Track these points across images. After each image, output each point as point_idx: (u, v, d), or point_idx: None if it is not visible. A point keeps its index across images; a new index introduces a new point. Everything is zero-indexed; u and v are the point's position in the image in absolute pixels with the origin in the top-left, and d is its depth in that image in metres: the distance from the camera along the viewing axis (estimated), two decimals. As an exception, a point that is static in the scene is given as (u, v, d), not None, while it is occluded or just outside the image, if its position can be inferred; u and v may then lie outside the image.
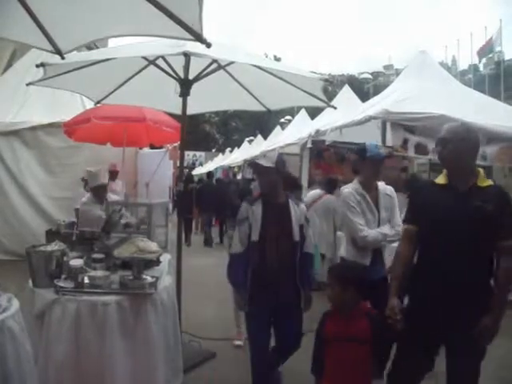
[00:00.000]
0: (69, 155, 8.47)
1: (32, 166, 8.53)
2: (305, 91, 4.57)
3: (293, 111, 20.29)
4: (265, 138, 22.00)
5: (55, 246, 3.41)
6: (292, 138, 10.55)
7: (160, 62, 4.43)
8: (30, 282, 3.37)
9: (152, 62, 4.37)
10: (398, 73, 39.80)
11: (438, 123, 6.41)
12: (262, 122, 35.79)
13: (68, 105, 8.24)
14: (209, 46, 2.55)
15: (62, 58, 2.95)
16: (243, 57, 3.94)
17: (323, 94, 4.37)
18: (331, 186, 7.77)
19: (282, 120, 19.79)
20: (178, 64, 4.45)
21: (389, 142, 6.36)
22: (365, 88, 23.08)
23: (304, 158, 9.23)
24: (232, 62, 4.38)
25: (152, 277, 3.55)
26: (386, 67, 56.64)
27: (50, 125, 7.89)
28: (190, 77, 4.34)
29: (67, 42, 2.90)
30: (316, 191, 7.80)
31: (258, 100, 5.17)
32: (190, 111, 5.01)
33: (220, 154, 28.89)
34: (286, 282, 3.50)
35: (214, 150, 37.84)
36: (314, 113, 13.54)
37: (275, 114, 31.67)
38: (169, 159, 8.93)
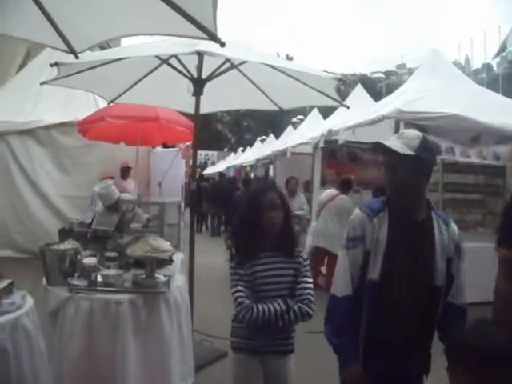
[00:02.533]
0: (82, 154, 8.53)
1: (46, 165, 8.60)
2: (318, 90, 4.54)
3: (305, 111, 20.20)
4: (277, 137, 22.00)
5: (69, 245, 3.42)
6: (304, 138, 10.50)
7: (173, 61, 4.44)
8: (44, 280, 3.39)
9: (165, 61, 4.38)
10: (410, 72, 39.52)
11: (451, 123, 6.38)
12: (275, 122, 35.69)
13: (81, 104, 8.28)
14: (223, 45, 2.54)
15: (76, 58, 2.96)
16: (256, 56, 3.93)
17: (336, 93, 4.34)
18: (346, 187, 7.73)
19: (294, 119, 19.76)
20: (191, 63, 4.45)
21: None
22: (377, 87, 22.89)
23: (316, 157, 9.19)
24: (245, 62, 4.38)
25: (165, 276, 3.56)
26: (399, 66, 56.31)
27: (64, 124, 7.96)
28: (203, 76, 4.33)
29: (81, 42, 2.91)
30: (331, 191, 7.77)
31: (270, 99, 5.16)
32: (202, 110, 5.01)
33: (232, 154, 28.90)
34: (417, 347, 2.21)
35: (226, 150, 37.88)
36: (326, 112, 13.46)
37: (287, 114, 31.57)
38: (181, 158, 8.94)
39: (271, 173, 12.07)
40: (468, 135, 6.62)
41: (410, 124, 6.24)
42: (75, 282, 3.26)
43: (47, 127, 7.98)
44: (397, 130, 6.31)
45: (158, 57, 4.32)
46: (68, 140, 8.05)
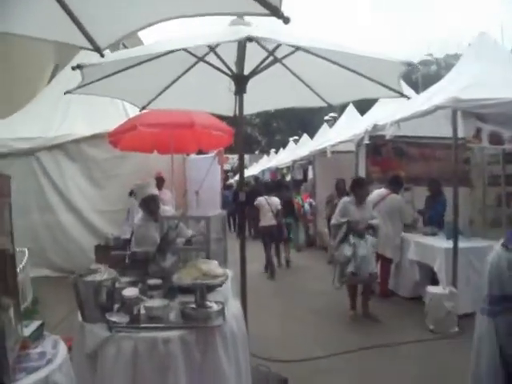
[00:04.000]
0: (114, 166, 8.18)
1: (77, 180, 8.31)
2: (375, 81, 3.99)
3: (336, 108, 19.54)
4: (310, 137, 21.35)
5: (105, 274, 2.95)
6: (343, 135, 9.89)
7: (210, 58, 3.97)
8: (79, 315, 2.95)
9: (201, 58, 3.90)
10: (437, 62, 38.16)
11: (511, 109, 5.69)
12: (305, 121, 35.09)
13: (110, 114, 7.98)
14: (287, 21, 2.03)
15: (102, 56, 2.51)
16: (309, 42, 3.38)
17: (398, 82, 3.78)
18: (396, 184, 7.09)
19: (327, 117, 19.09)
20: (229, 59, 3.98)
21: (460, 133, 5.66)
22: (413, 78, 21.98)
23: (360, 155, 8.60)
24: (291, 53, 3.87)
25: (217, 303, 3.07)
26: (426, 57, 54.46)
27: (93, 136, 7.61)
28: (245, 71, 3.84)
29: (105, 36, 2.47)
30: (381, 190, 7.15)
31: (317, 94, 4.63)
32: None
33: (265, 156, 28.37)
34: None
35: (257, 152, 37.44)
36: (362, 107, 12.83)
37: (319, 112, 31.15)
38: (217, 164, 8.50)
39: (310, 174, 11.46)
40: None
41: (467, 113, 5.63)
42: (114, 317, 2.79)
43: (77, 141, 7.65)
44: (455, 121, 5.68)
45: (193, 54, 3.84)
46: (98, 152, 7.68)
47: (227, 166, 19.40)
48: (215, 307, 3.02)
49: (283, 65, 4.21)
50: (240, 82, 3.79)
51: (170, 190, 7.61)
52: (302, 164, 13.95)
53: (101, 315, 2.86)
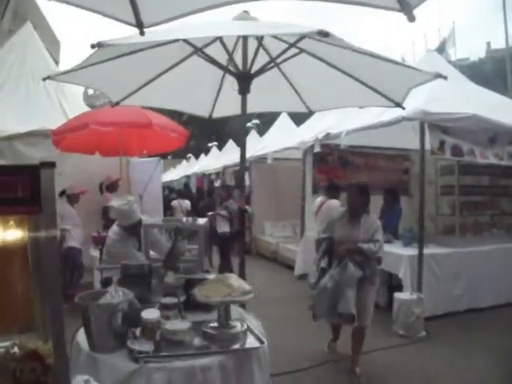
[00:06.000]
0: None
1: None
2: (375, 90, 3.95)
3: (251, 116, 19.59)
4: (221, 144, 21.15)
5: (120, 295, 2.51)
6: (285, 142, 9.85)
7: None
8: (87, 345, 2.47)
9: (200, 49, 3.55)
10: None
11: (471, 123, 6.00)
12: (218, 128, 35.16)
13: (46, 112, 7.18)
14: (412, 19, 1.81)
15: (142, 34, 2.14)
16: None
17: (407, 92, 3.77)
18: (333, 190, 7.09)
19: (249, 124, 19.02)
20: (222, 57, 3.69)
21: (427, 145, 5.84)
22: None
23: (307, 163, 8.58)
24: (295, 55, 3.68)
25: (238, 321, 2.77)
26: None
27: (29, 133, 6.75)
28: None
29: (153, 15, 2.09)
30: (319, 198, 7.26)
31: (302, 100, 4.51)
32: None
33: (184, 161, 27.72)
34: None
35: (169, 157, 36.46)
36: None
37: (230, 120, 31.27)
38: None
39: (247, 181, 11.26)
40: (485, 136, 6.27)
41: (434, 125, 5.82)
42: (135, 346, 2.39)
43: (9, 137, 6.74)
44: (422, 132, 5.84)
45: (192, 45, 3.48)
46: (35, 152, 6.83)
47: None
48: (239, 326, 2.72)
49: (279, 69, 4.04)
50: (244, 80, 3.51)
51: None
52: (236, 170, 13.70)
53: (117, 344, 2.44)
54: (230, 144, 17.87)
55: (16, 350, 1.54)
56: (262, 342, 2.58)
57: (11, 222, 1.51)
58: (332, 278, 4.21)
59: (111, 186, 7.15)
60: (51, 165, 1.32)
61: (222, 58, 3.70)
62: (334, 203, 6.80)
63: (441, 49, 29.22)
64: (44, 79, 3.42)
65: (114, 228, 4.03)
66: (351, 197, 4.45)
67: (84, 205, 6.89)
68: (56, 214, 1.36)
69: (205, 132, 38.69)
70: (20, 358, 1.50)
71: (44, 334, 1.72)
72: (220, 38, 3.43)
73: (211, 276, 3.12)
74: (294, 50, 3.67)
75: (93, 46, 2.50)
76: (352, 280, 4.17)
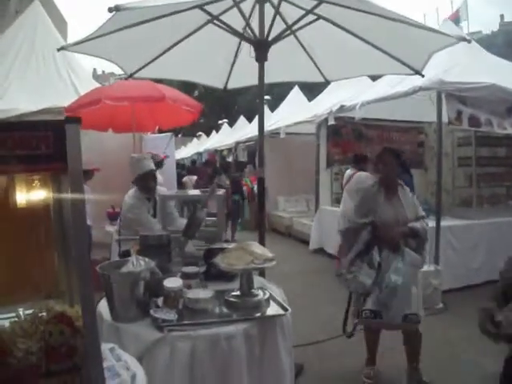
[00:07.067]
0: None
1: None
2: (393, 56, 3.85)
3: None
4: (231, 121, 20.98)
5: (141, 264, 2.50)
6: (299, 116, 9.75)
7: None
8: (109, 316, 2.47)
9: (216, 17, 3.46)
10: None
11: (489, 93, 5.86)
12: (229, 105, 34.83)
13: (58, 89, 7.12)
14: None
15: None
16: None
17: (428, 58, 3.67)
18: (360, 162, 6.92)
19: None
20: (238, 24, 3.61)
21: (444, 116, 5.72)
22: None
23: (321, 137, 8.49)
24: (312, 22, 3.58)
25: (259, 289, 2.76)
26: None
27: (42, 111, 6.71)
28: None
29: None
30: (348, 171, 7.08)
31: (319, 70, 4.42)
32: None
33: (194, 139, 27.66)
34: None
35: (180, 135, 36.38)
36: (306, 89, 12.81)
37: (239, 96, 30.89)
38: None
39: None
40: (503, 106, 6.12)
41: (450, 96, 5.69)
42: (160, 314, 2.38)
43: (22, 116, 6.72)
44: (439, 102, 5.72)
45: (208, 12, 3.39)
46: (48, 129, 6.82)
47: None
48: (261, 294, 2.71)
49: (295, 37, 3.94)
50: (261, 47, 3.43)
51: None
52: (249, 145, 13.63)
53: (140, 313, 2.44)
54: (241, 121, 17.76)
55: (44, 313, 1.52)
56: (285, 310, 2.55)
57: (35, 182, 1.47)
58: (397, 271, 3.41)
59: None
60: (77, 120, 1.25)
61: (238, 26, 3.64)
62: (364, 175, 6.42)
63: (455, 22, 28.64)
64: (59, 50, 3.38)
65: (130, 192, 4.01)
66: (386, 164, 3.66)
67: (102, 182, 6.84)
68: (82, 173, 1.30)
69: (214, 110, 38.47)
70: (48, 321, 1.48)
71: (69, 298, 1.72)
72: (237, 5, 3.34)
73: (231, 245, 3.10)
74: (310, 17, 3.58)
75: (110, 10, 2.44)
76: (416, 271, 3.60)
